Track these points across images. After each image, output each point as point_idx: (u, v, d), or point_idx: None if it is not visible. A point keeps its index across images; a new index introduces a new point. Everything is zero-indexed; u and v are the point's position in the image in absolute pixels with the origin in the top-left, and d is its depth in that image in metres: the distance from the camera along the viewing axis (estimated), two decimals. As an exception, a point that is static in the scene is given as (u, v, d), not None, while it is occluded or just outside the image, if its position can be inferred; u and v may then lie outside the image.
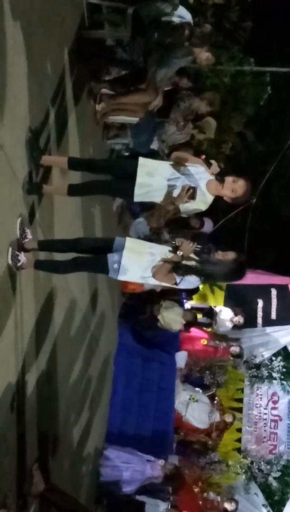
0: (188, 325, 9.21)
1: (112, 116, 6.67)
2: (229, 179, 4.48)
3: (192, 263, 4.19)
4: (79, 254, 4.32)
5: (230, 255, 4.23)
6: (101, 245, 4.36)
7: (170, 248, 4.22)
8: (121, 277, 4.21)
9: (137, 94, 6.23)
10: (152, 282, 4.29)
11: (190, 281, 4.27)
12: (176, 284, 4.28)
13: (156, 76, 6.07)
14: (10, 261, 3.92)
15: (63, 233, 5.07)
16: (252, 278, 10.41)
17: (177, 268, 4.16)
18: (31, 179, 4.29)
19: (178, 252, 4.16)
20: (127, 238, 4.32)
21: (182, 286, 4.32)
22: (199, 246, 4.24)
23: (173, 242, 4.29)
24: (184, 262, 4.16)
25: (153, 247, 4.34)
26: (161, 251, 4.24)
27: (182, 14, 5.91)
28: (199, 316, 9.79)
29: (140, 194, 4.53)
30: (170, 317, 8.65)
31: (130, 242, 4.27)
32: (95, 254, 4.32)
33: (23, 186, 4.16)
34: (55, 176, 4.89)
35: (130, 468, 7.42)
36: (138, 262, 4.18)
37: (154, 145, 7.18)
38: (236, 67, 9.59)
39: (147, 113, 6.59)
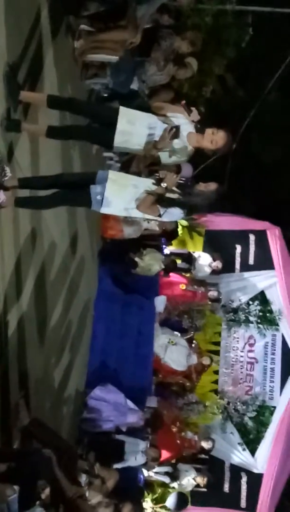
0: (167, 270, 9.26)
1: (91, 54, 6.46)
2: (209, 131, 4.47)
3: (175, 195, 4.18)
4: (60, 189, 4.26)
5: (212, 186, 4.26)
6: (82, 179, 4.31)
7: (154, 181, 4.19)
8: (104, 209, 4.17)
9: (116, 30, 6.05)
10: (136, 214, 4.27)
11: (174, 213, 4.27)
12: (159, 215, 4.28)
13: (137, 12, 5.88)
14: (-11, 200, 3.85)
15: (42, 172, 4.97)
16: (230, 223, 10.45)
17: (161, 200, 4.14)
18: (9, 116, 4.17)
19: (162, 184, 4.13)
20: (110, 171, 4.28)
21: (165, 218, 4.35)
22: (182, 178, 4.23)
23: (157, 175, 4.26)
24: (167, 194, 4.14)
25: (137, 179, 4.31)
26: (145, 184, 4.21)
27: None
28: (178, 261, 9.83)
29: (120, 142, 4.46)
30: (149, 262, 8.67)
31: (114, 174, 4.24)
32: (76, 189, 4.25)
33: (1, 123, 4.04)
34: (33, 114, 4.76)
35: (112, 404, 7.60)
36: (122, 194, 4.15)
37: (134, 85, 6.99)
38: (217, 6, 9.32)
39: (126, 52, 6.40)
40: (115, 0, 5.78)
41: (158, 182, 4.19)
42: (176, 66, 7.09)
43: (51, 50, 5.42)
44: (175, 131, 4.36)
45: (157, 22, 6.60)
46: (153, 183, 4.20)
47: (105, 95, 7.31)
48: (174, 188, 4.23)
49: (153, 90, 7.31)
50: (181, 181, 4.31)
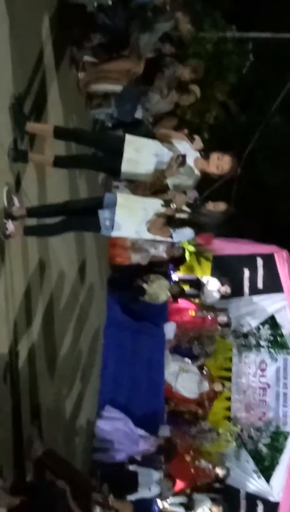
0: (176, 296, 9.24)
1: (95, 84, 6.56)
2: (214, 156, 4.51)
3: (185, 215, 4.19)
4: (69, 216, 4.28)
5: (221, 206, 4.25)
6: (90, 205, 4.31)
7: (163, 202, 4.20)
8: (115, 233, 4.18)
9: (120, 61, 6.16)
10: (147, 236, 4.28)
11: (184, 234, 4.29)
12: (171, 236, 4.28)
13: (139, 42, 5.97)
14: (-2, 230, 3.87)
15: (50, 202, 5.00)
16: (238, 247, 10.46)
17: (171, 221, 4.14)
18: (16, 147, 4.21)
19: (171, 205, 4.14)
20: (118, 194, 4.29)
21: (176, 239, 4.38)
22: (191, 199, 4.24)
23: (166, 196, 4.27)
24: (177, 215, 4.15)
25: (145, 202, 4.30)
26: (154, 206, 4.21)
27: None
28: (187, 287, 9.82)
29: (127, 170, 4.49)
30: (156, 290, 8.67)
31: (122, 198, 4.24)
32: (85, 214, 4.26)
33: (8, 153, 4.08)
34: (40, 145, 4.81)
35: (122, 433, 7.54)
36: (132, 217, 4.16)
37: (138, 114, 7.08)
38: (218, 34, 9.46)
39: (130, 81, 6.50)
40: (117, 31, 5.85)
41: (167, 203, 4.20)
42: (179, 93, 7.19)
43: (56, 82, 5.49)
44: (182, 160, 4.39)
45: (160, 51, 6.70)
46: (162, 205, 4.21)
47: (110, 124, 7.38)
48: (184, 207, 4.24)
49: (157, 118, 7.39)
50: (190, 201, 4.31)
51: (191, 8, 6.29)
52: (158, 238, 4.35)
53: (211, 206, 4.28)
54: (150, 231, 4.19)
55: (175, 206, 4.16)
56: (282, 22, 10.71)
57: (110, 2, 5.83)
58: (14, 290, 4.25)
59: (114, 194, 4.29)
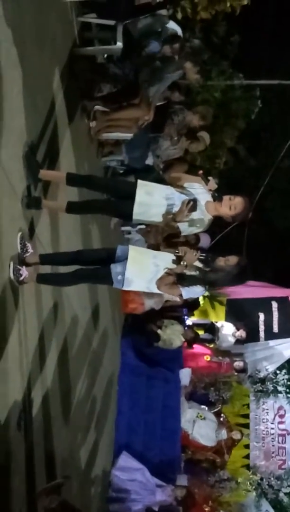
0: (190, 342, 9.18)
1: (106, 133, 6.70)
2: (226, 198, 4.52)
3: (195, 272, 4.17)
4: (81, 266, 4.29)
5: (232, 260, 4.20)
6: (103, 256, 4.34)
7: (174, 258, 4.19)
8: (126, 287, 4.17)
9: (130, 109, 6.27)
10: (157, 291, 4.25)
11: (195, 291, 4.24)
12: (181, 295, 4.25)
13: (149, 91, 6.11)
14: (12, 276, 3.89)
15: (63, 248, 5.06)
16: (252, 291, 10.42)
17: (182, 279, 4.13)
18: (29, 193, 4.28)
19: (182, 262, 4.13)
20: (130, 247, 4.30)
21: (187, 296, 4.30)
22: (202, 255, 4.22)
23: (177, 252, 4.26)
24: (187, 272, 4.13)
25: (157, 257, 4.30)
26: (165, 261, 4.21)
27: (173, 28, 5.97)
28: (201, 332, 9.76)
29: (139, 213, 4.53)
30: (170, 335, 8.62)
31: (134, 252, 4.24)
32: (97, 265, 4.29)
33: (22, 200, 4.14)
34: (53, 191, 4.89)
35: (138, 484, 7.38)
36: (142, 274, 4.15)
37: (149, 161, 7.21)
38: (226, 82, 9.69)
39: (140, 129, 6.63)
40: (127, 80, 6.01)
41: (178, 260, 4.19)
42: (189, 140, 7.31)
43: (68, 130, 5.62)
44: (193, 204, 4.42)
45: (169, 99, 6.84)
46: (173, 261, 4.21)
47: (121, 171, 7.51)
48: (195, 263, 4.22)
49: (168, 164, 7.50)
50: (201, 257, 4.28)
51: (199, 58, 6.43)
52: (167, 296, 4.34)
53: (222, 262, 4.23)
54: (160, 289, 4.18)
55: (185, 263, 4.15)
56: (288, 68, 10.96)
57: (119, 53, 6.02)
58: (28, 335, 4.25)
59: (126, 247, 4.30)
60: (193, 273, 4.20)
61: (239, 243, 11.66)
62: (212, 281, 4.24)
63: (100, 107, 6.28)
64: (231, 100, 9.81)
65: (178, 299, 8.65)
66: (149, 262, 4.24)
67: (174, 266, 4.18)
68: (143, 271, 4.18)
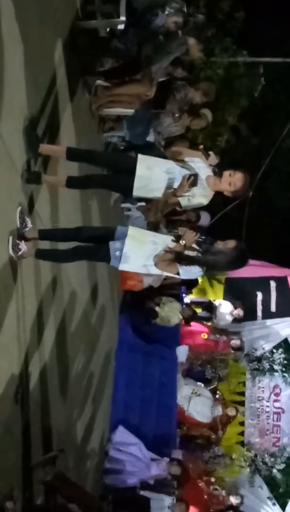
0: (188, 319, 9.21)
1: (108, 108, 6.64)
2: (226, 173, 4.48)
3: (194, 253, 4.16)
4: (80, 243, 4.29)
5: (230, 244, 4.18)
6: (102, 234, 4.32)
7: (173, 238, 4.19)
8: (122, 266, 4.15)
9: (132, 84, 6.21)
10: (154, 271, 4.24)
11: (192, 272, 4.22)
12: (178, 274, 4.25)
13: (151, 67, 6.04)
14: (11, 250, 3.89)
15: (62, 224, 5.05)
16: (250, 270, 10.39)
17: (180, 258, 4.13)
18: (29, 168, 4.26)
19: (180, 242, 4.12)
20: (130, 227, 4.28)
21: (184, 276, 4.29)
22: (201, 237, 4.21)
23: (176, 231, 4.25)
24: (186, 252, 4.13)
25: (156, 236, 4.30)
26: (164, 241, 4.20)
27: (178, 2, 5.88)
28: (199, 310, 9.79)
29: (139, 188, 4.51)
30: (168, 313, 8.65)
31: (133, 231, 4.23)
32: (96, 243, 4.28)
33: (21, 175, 4.12)
34: (53, 166, 4.86)
35: (133, 458, 7.47)
36: (140, 250, 4.14)
37: (150, 137, 7.15)
38: (229, 59, 9.59)
39: (142, 105, 6.57)
40: (129, 55, 5.94)
41: (177, 239, 4.18)
42: (191, 117, 7.25)
43: (69, 105, 5.57)
44: (193, 179, 4.40)
45: (171, 74, 6.77)
46: (173, 240, 4.20)
47: (122, 147, 7.46)
48: (194, 245, 4.21)
49: (169, 141, 7.45)
50: (200, 239, 4.26)
51: (202, 34, 6.33)
52: (165, 274, 4.32)
53: (220, 245, 4.21)
54: (158, 266, 4.17)
55: (184, 243, 4.14)
56: (292, 46, 10.84)
57: (122, 27, 5.94)
58: (26, 310, 4.26)
59: (126, 227, 4.29)
60: (191, 253, 4.19)
61: (239, 222, 11.65)
62: (210, 263, 4.23)
63: (102, 82, 6.22)
64: (234, 77, 9.72)
65: (176, 276, 8.74)
66: (148, 240, 4.23)
67: (173, 244, 4.18)
68: (141, 247, 4.17)
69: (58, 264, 5.10)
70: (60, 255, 4.47)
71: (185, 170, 4.46)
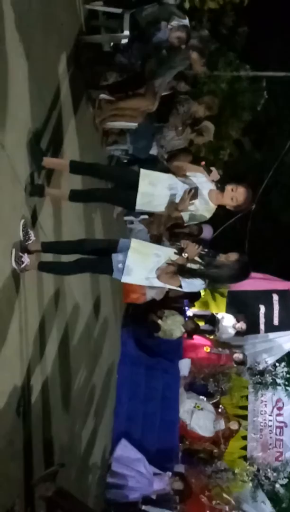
0: (191, 333, 9.17)
1: (111, 122, 6.67)
2: (228, 188, 4.50)
3: (197, 266, 4.15)
4: (82, 256, 4.29)
5: (233, 257, 4.17)
6: (105, 246, 4.32)
7: (175, 250, 4.18)
8: (125, 278, 4.14)
9: (135, 99, 6.24)
10: (157, 283, 4.23)
11: (195, 284, 4.21)
12: (180, 286, 4.24)
13: (155, 81, 6.08)
14: (14, 263, 3.89)
15: (65, 237, 5.05)
16: (253, 283, 10.39)
17: (182, 270, 4.12)
18: (33, 181, 4.27)
19: (183, 254, 4.12)
20: (133, 240, 4.28)
21: (186, 289, 4.28)
22: (204, 250, 4.20)
23: (178, 244, 4.25)
24: (188, 265, 4.12)
25: (159, 249, 4.29)
26: (167, 253, 4.20)
27: (180, 18, 5.93)
28: (202, 323, 9.76)
29: (142, 204, 4.52)
30: (171, 326, 8.63)
31: (136, 243, 4.23)
32: (99, 255, 4.28)
33: (25, 187, 4.13)
34: (56, 179, 4.88)
35: (136, 473, 7.42)
36: (143, 263, 4.14)
37: (153, 151, 7.18)
38: (232, 73, 9.63)
39: (145, 119, 6.60)
40: (133, 69, 5.97)
41: (180, 252, 4.18)
42: (194, 132, 7.28)
43: (73, 118, 5.60)
44: (194, 193, 4.42)
45: (174, 88, 6.81)
46: (175, 253, 4.20)
47: (125, 160, 7.49)
48: (196, 258, 4.21)
49: (172, 154, 7.47)
50: (203, 252, 4.26)
51: (206, 49, 6.37)
52: (168, 286, 4.31)
53: (223, 258, 4.21)
54: (160, 278, 4.16)
55: (187, 255, 4.14)
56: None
57: (125, 42, 5.98)
58: (28, 323, 4.25)
59: (128, 240, 4.30)
60: (194, 266, 4.19)
61: (242, 236, 11.64)
62: (212, 276, 4.22)
63: (106, 96, 6.25)
64: (237, 91, 9.76)
65: (179, 289, 8.73)
66: (151, 252, 4.23)
67: (176, 257, 4.18)
68: (144, 260, 4.17)
69: (61, 276, 5.10)
70: (63, 268, 4.47)
71: (187, 185, 4.47)
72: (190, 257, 4.15)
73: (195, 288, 4.31)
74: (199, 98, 7.04)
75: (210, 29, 7.61)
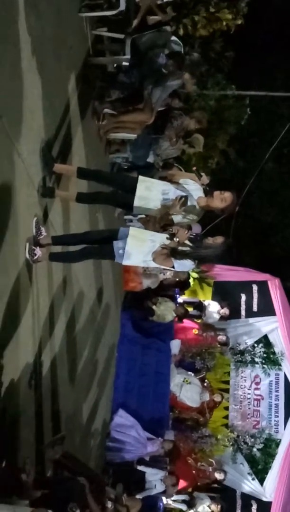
0: (181, 317, 9.19)
1: (114, 133, 6.65)
2: (217, 192, 4.52)
3: (187, 249, 4.17)
4: (87, 245, 4.29)
5: (219, 239, 4.21)
6: (107, 235, 4.33)
7: (168, 236, 4.19)
8: (125, 261, 4.16)
9: (135, 113, 6.20)
10: (152, 265, 4.26)
11: (185, 265, 4.24)
12: (173, 267, 4.25)
13: (152, 97, 6.04)
14: (27, 255, 3.89)
15: (72, 231, 5.03)
16: (236, 275, 10.42)
17: (174, 253, 4.13)
18: (45, 184, 4.26)
19: (175, 239, 4.13)
20: (131, 228, 4.30)
21: (178, 268, 4.30)
22: (192, 234, 4.21)
23: (170, 230, 4.25)
24: (180, 247, 4.13)
25: (154, 235, 4.31)
26: (161, 238, 4.21)
27: (176, 44, 5.89)
28: (190, 309, 9.76)
29: (139, 205, 4.52)
30: (163, 311, 8.64)
31: (134, 231, 4.25)
32: (102, 244, 4.28)
33: (38, 189, 4.13)
34: (65, 183, 4.86)
35: (132, 438, 7.44)
36: (140, 247, 4.15)
37: (150, 159, 7.16)
38: (220, 92, 9.60)
39: (144, 131, 6.58)
40: (133, 87, 5.94)
41: (172, 237, 4.19)
42: (186, 144, 7.26)
43: (80, 130, 5.58)
44: (184, 200, 4.42)
45: (169, 105, 6.77)
46: (168, 238, 4.20)
47: (125, 167, 7.47)
48: (186, 242, 4.21)
49: (166, 163, 7.46)
50: (192, 236, 4.27)
51: (197, 70, 6.34)
52: (162, 267, 4.32)
53: (210, 240, 4.22)
54: (155, 260, 4.18)
55: (178, 239, 4.14)
56: (275, 82, 10.87)
57: (127, 63, 5.95)
58: (40, 307, 4.26)
59: (127, 228, 4.30)
60: (185, 249, 4.19)
61: (226, 234, 11.60)
62: (201, 256, 4.23)
63: (109, 110, 6.22)
64: (224, 108, 9.72)
65: (171, 278, 8.73)
66: (147, 238, 4.24)
67: (168, 242, 4.18)
68: (141, 245, 4.18)
69: (68, 267, 5.10)
70: (71, 256, 4.46)
71: (179, 191, 4.47)
72: (181, 241, 4.16)
73: (186, 268, 4.33)
74: (191, 113, 7.01)
75: (201, 53, 7.56)
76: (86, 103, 5.82)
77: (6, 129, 3.50)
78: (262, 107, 11.52)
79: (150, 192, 4.49)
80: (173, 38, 5.97)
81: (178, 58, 5.90)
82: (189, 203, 4.48)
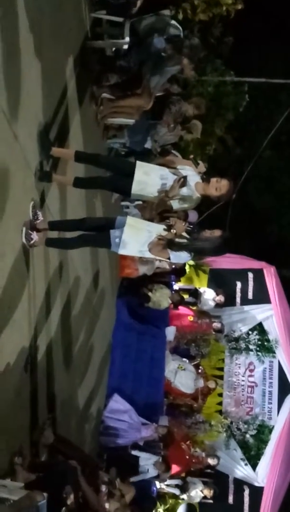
0: (176, 304, 9.21)
1: (111, 118, 6.59)
2: (213, 180, 4.48)
3: (184, 241, 4.15)
4: (84, 232, 4.27)
5: (216, 232, 4.18)
6: (104, 223, 4.31)
7: (165, 227, 4.18)
8: (121, 251, 4.14)
9: (133, 98, 6.14)
10: (148, 255, 4.23)
11: (181, 257, 4.22)
12: (169, 258, 4.24)
13: (150, 83, 5.99)
14: (24, 240, 3.88)
15: (69, 217, 5.03)
16: (231, 262, 10.44)
17: (171, 244, 4.12)
18: (42, 168, 4.24)
19: (172, 230, 4.12)
20: (128, 217, 4.28)
21: (174, 260, 4.29)
22: (190, 226, 4.20)
23: (168, 221, 4.24)
24: (177, 239, 4.11)
25: (151, 225, 4.29)
26: (158, 229, 4.19)
27: (175, 28, 5.82)
28: (186, 296, 9.79)
29: (136, 190, 4.50)
30: (159, 298, 8.65)
31: (131, 220, 4.23)
32: (98, 231, 4.26)
33: (35, 173, 4.10)
34: (62, 167, 4.84)
35: (126, 423, 7.49)
36: (137, 237, 4.13)
37: (148, 144, 7.11)
38: (218, 78, 9.53)
39: (142, 116, 6.53)
40: (132, 72, 5.89)
41: (169, 228, 4.17)
42: (184, 130, 7.21)
43: (78, 114, 5.54)
44: (183, 181, 4.40)
45: (168, 90, 6.72)
46: (165, 229, 4.19)
47: (123, 152, 7.42)
48: (183, 234, 4.19)
49: (164, 149, 7.42)
50: (189, 228, 4.25)
51: (196, 56, 6.28)
52: (158, 258, 4.31)
53: (207, 233, 4.21)
54: (151, 251, 4.16)
55: (175, 231, 4.12)
56: (274, 68, 10.81)
57: (126, 47, 5.88)
58: (36, 291, 4.26)
59: (125, 217, 4.28)
60: (181, 241, 4.18)
61: (223, 221, 11.60)
62: (197, 249, 4.21)
63: (107, 95, 6.16)
64: (222, 94, 9.66)
65: (167, 265, 8.74)
66: (143, 228, 4.22)
67: (165, 233, 4.17)
68: (137, 234, 4.16)
69: (64, 252, 5.09)
70: (67, 242, 4.45)
71: (177, 176, 4.45)
72: (178, 232, 4.14)
73: (182, 260, 4.32)
74: (189, 99, 6.96)
75: (200, 38, 7.48)
76: (84, 87, 5.77)
77: (4, 111, 3.46)
78: (261, 94, 11.45)
79: (148, 177, 4.47)
80: (173, 22, 5.89)
81: (177, 42, 5.85)
82: (187, 187, 4.46)
